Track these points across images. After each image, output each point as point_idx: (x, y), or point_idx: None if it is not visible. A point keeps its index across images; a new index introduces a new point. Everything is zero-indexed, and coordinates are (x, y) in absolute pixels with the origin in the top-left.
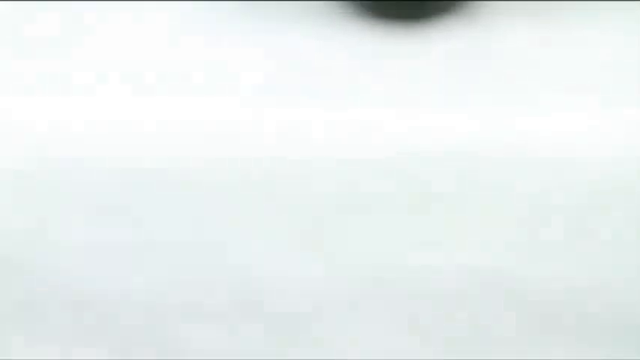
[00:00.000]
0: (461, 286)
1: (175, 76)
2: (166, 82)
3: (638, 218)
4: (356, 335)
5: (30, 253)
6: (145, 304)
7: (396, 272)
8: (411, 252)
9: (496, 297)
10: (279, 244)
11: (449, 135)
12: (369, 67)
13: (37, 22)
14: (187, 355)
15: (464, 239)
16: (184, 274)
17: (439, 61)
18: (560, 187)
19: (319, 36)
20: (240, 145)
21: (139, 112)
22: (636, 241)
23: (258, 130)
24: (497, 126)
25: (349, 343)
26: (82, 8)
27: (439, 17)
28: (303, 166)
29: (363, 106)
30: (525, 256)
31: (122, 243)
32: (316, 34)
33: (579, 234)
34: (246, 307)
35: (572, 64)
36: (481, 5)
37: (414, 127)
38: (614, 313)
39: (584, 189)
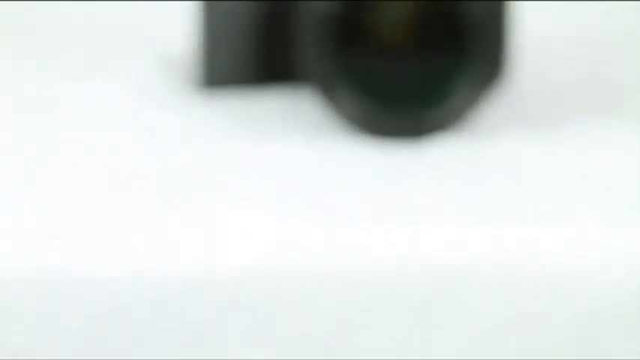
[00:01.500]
0: None
1: (169, 185)
2: (160, 191)
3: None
4: None
5: None
6: None
7: None
8: None
9: None
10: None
11: (446, 251)
12: (364, 179)
13: None
14: None
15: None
16: None
17: (435, 172)
18: (557, 307)
19: (315, 149)
20: (235, 259)
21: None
22: None
23: (255, 243)
24: (496, 242)
25: None
26: None
27: (438, 134)
28: (296, 282)
29: (359, 222)
30: None
31: None
32: (311, 147)
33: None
34: None
35: (572, 176)
36: (480, 116)
37: (410, 242)
38: None
39: (581, 309)
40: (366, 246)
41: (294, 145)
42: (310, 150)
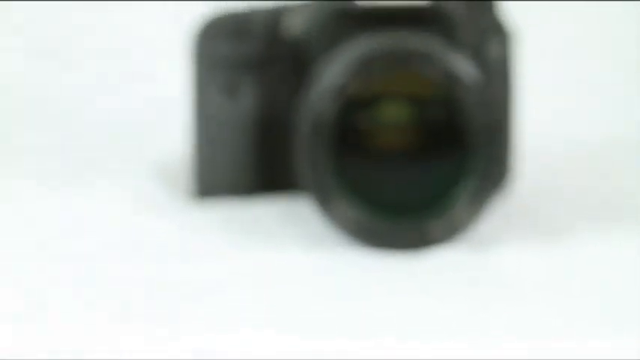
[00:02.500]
0: None
1: (161, 295)
2: (152, 301)
3: None
4: None
5: None
6: None
7: None
8: None
9: None
10: None
11: None
12: (360, 292)
13: None
14: None
15: None
16: None
17: (434, 284)
18: None
19: (311, 260)
20: None
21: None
22: None
23: (248, 357)
24: (497, 355)
25: None
26: None
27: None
28: None
29: (355, 335)
30: None
31: None
32: (307, 258)
33: None
34: None
35: (573, 287)
36: (481, 226)
37: (408, 356)
38: None
39: None
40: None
41: (289, 255)
42: (306, 261)
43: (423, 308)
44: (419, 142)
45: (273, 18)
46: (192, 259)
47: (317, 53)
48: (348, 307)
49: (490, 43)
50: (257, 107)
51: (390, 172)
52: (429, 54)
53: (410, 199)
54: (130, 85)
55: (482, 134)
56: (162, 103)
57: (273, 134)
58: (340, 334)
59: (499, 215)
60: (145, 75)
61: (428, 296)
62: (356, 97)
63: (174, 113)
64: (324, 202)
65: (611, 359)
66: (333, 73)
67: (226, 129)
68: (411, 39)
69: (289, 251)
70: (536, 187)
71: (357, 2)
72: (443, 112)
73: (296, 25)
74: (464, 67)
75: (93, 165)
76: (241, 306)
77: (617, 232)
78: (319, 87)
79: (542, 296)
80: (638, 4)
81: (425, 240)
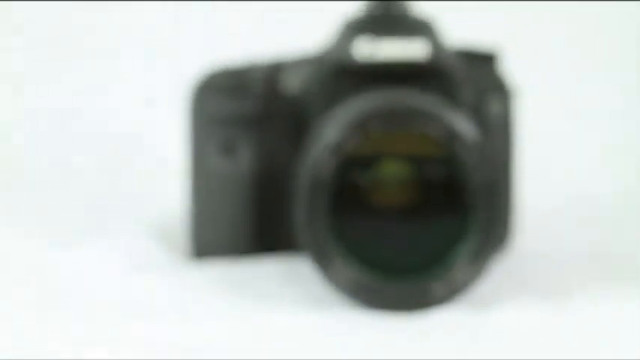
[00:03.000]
0: None
1: (157, 356)
2: None
3: None
4: None
5: None
6: None
7: None
8: None
9: None
10: None
11: None
12: (357, 353)
13: None
14: None
15: None
16: None
17: (432, 346)
18: None
19: (308, 320)
20: None
21: None
22: None
23: None
24: None
25: None
26: None
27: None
28: None
29: None
30: None
31: None
32: (304, 319)
33: None
34: None
35: (577, 348)
36: (481, 286)
37: None
38: None
39: None
40: None
41: (288, 316)
42: (305, 322)
43: None
44: (418, 200)
45: (272, 74)
46: (190, 319)
47: (315, 110)
48: None
49: (490, 101)
50: (255, 165)
51: (389, 231)
52: (429, 113)
53: (409, 258)
54: (127, 142)
55: (482, 193)
56: (161, 159)
57: (271, 193)
58: None
59: (499, 274)
60: (142, 131)
61: (428, 356)
62: (354, 155)
63: (172, 170)
64: (323, 261)
65: None
66: (332, 131)
67: (224, 187)
68: (410, 97)
69: (288, 312)
70: (537, 247)
71: (355, 56)
72: (443, 170)
73: (294, 81)
74: (464, 125)
75: (89, 224)
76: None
77: (617, 293)
78: (318, 145)
79: (543, 356)
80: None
81: (425, 300)
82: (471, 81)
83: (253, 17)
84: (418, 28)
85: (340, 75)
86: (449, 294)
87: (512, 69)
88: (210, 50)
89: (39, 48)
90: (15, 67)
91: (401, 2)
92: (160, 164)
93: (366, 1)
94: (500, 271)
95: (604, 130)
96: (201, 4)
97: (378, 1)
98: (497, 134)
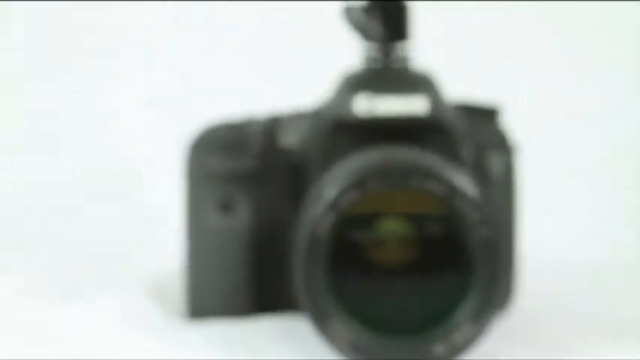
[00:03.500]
0: None
1: None
2: None
3: None
4: None
5: None
6: None
7: None
8: None
9: None
10: None
11: None
12: None
13: None
14: None
15: None
16: None
17: None
18: None
19: None
20: None
21: None
22: None
23: None
24: None
25: None
26: None
27: None
28: None
29: None
30: None
31: None
32: None
33: None
34: None
35: None
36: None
37: None
38: None
39: None
40: None
41: None
42: None
43: None
44: (419, 258)
45: (270, 129)
46: None
47: (314, 166)
48: None
49: (491, 157)
50: (253, 222)
51: (388, 289)
52: (429, 170)
53: (410, 317)
54: (124, 198)
55: (483, 251)
56: (158, 216)
57: (270, 251)
58: None
59: (501, 334)
60: (139, 187)
61: None
62: (353, 212)
63: (169, 226)
64: (321, 320)
65: None
66: (330, 188)
67: (222, 245)
68: (409, 154)
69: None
70: (539, 306)
71: (355, 111)
72: (443, 227)
73: (293, 137)
74: (464, 182)
75: (82, 280)
76: None
77: (619, 351)
78: (316, 202)
79: None
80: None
81: None
82: (472, 136)
83: (251, 72)
84: (418, 83)
85: (339, 131)
86: (450, 354)
87: (514, 124)
88: (208, 106)
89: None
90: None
91: (400, 57)
92: (158, 220)
93: (365, 56)
94: (502, 330)
95: (607, 188)
96: (197, 61)
97: (377, 56)
98: (499, 191)
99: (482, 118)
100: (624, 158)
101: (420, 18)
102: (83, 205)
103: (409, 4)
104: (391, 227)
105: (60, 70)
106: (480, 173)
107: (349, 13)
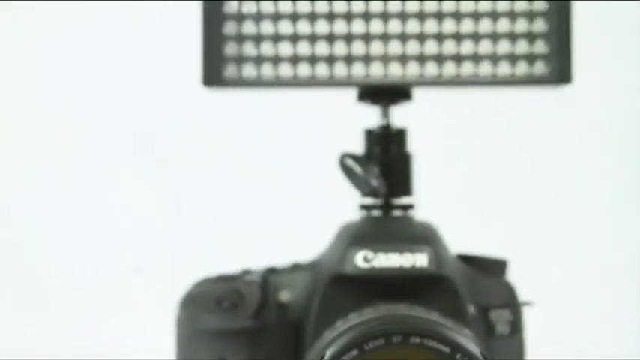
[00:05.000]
0: None
1: None
2: None
3: None
4: None
5: None
6: None
7: None
8: None
9: None
10: None
11: None
12: None
13: None
14: None
15: None
16: None
17: None
18: None
19: None
20: None
21: None
22: None
23: None
24: None
25: None
26: None
27: None
28: None
29: None
30: None
31: None
32: None
33: None
34: None
35: None
36: None
37: None
38: None
39: None
40: None
41: None
42: None
43: None
44: None
45: (266, 283)
46: None
47: (312, 323)
48: None
49: (497, 313)
50: None
51: None
52: (430, 329)
53: None
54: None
55: None
56: None
57: None
58: None
59: None
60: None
61: None
62: None
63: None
64: None
65: None
66: (329, 348)
67: None
68: (411, 313)
69: None
70: None
71: (354, 266)
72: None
73: (290, 292)
74: (468, 340)
75: None
76: None
77: None
78: None
79: None
80: None
81: None
82: (476, 291)
83: (247, 224)
84: (419, 236)
85: (338, 285)
86: None
87: (520, 279)
88: (202, 259)
89: None
90: None
91: (401, 210)
92: None
93: (364, 208)
94: None
95: (618, 343)
96: (194, 217)
97: (376, 209)
98: (504, 348)
99: (488, 271)
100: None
101: (422, 169)
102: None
103: (410, 155)
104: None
105: None
106: (485, 329)
107: (346, 166)
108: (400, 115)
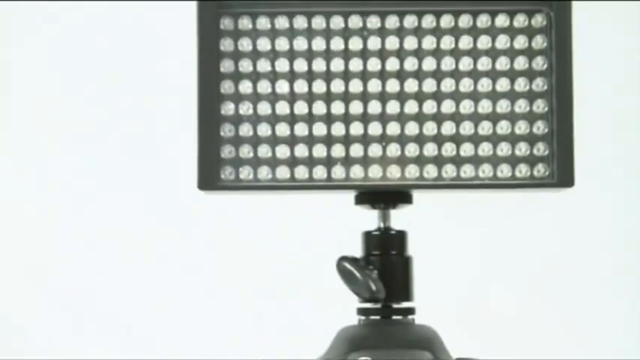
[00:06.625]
0: None
1: None
2: None
3: None
4: None
5: None
6: None
7: None
8: None
9: None
10: None
11: None
12: None
13: None
14: None
15: None
16: None
17: None
18: None
19: None
20: None
21: None
22: None
23: None
24: None
25: None
26: None
27: None
28: None
29: None
30: None
31: None
32: None
33: None
34: None
35: None
36: None
37: None
38: None
39: None
40: None
41: None
42: None
43: None
44: None
45: None
46: None
47: None
48: None
49: None
50: None
51: None
52: None
53: None
54: None
55: None
56: None
57: None
58: None
59: None
60: None
61: None
62: None
63: None
64: None
65: None
66: None
67: None
68: None
69: None
70: None
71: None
72: None
73: None
74: None
75: None
76: None
77: None
78: None
79: None
80: None
81: None
82: None
83: (247, 322)
84: (420, 341)
85: None
86: None
87: None
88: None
89: None
90: None
91: (400, 314)
92: None
93: (362, 315)
94: None
95: None
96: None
97: (375, 313)
98: None
99: None
100: None
101: (422, 273)
102: None
103: (410, 258)
104: None
105: None
106: None
107: (344, 270)
108: (399, 217)
